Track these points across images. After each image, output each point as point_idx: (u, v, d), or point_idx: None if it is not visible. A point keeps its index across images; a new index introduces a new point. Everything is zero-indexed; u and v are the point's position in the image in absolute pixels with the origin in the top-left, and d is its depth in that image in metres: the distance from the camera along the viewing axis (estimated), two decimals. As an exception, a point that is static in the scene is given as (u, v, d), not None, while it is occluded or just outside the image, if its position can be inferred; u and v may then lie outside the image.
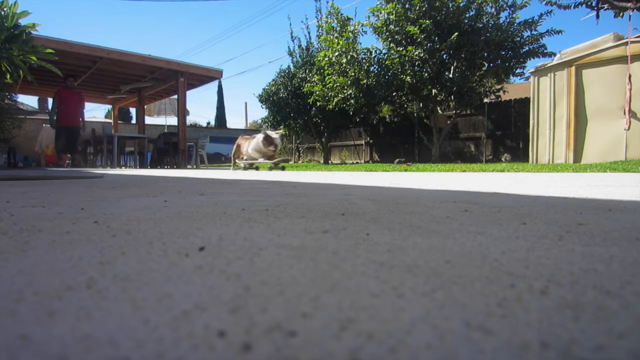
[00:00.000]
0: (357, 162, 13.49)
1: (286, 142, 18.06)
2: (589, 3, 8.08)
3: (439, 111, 10.27)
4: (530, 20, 8.61)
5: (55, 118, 7.92)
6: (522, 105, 9.79)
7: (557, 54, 7.90)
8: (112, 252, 0.63)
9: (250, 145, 7.08)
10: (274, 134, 6.83)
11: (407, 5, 8.91)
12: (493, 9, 8.76)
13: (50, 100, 9.23)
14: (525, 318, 0.36)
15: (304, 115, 12.80)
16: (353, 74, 9.36)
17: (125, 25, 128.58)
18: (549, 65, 7.87)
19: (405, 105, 11.00)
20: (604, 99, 7.08)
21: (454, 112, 10.09)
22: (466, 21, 8.76)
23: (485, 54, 8.81)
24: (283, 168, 7.07)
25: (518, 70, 9.17)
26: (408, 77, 9.04)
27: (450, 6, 8.53)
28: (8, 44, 3.33)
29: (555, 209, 1.19)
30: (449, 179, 3.26)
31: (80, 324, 0.34)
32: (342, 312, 0.37)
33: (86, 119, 9.22)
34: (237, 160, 7.63)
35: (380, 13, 9.34)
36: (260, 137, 6.86)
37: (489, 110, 10.71)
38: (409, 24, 8.79)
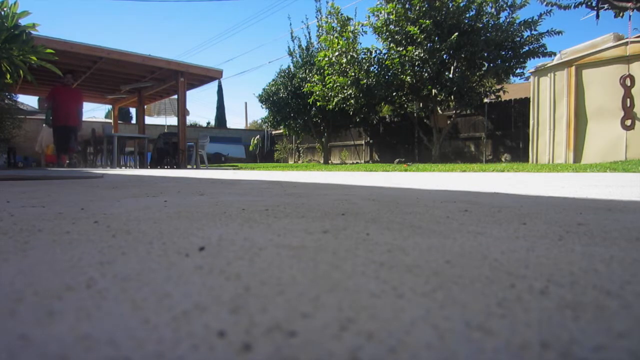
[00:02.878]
0: (357, 162, 13.49)
1: (286, 142, 18.07)
2: (589, 3, 8.08)
3: (439, 111, 10.27)
4: (530, 20, 8.60)
5: (51, 117, 7.80)
6: (522, 105, 9.79)
7: (557, 54, 7.90)
8: (112, 252, 0.63)
9: None
10: None
11: (407, 5, 8.91)
12: (493, 9, 8.76)
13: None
14: (525, 318, 0.36)
15: (304, 115, 12.78)
16: (353, 74, 9.35)
17: (125, 25, 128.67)
18: (549, 65, 7.87)
19: (405, 105, 10.99)
20: (604, 99, 7.08)
21: (454, 112, 10.08)
22: (466, 21, 8.76)
23: (485, 54, 8.81)
24: None
25: (518, 70, 9.17)
26: (408, 77, 9.03)
27: (450, 6, 8.53)
28: (8, 44, 3.33)
29: (555, 209, 1.18)
30: (449, 179, 3.26)
31: (80, 324, 0.34)
32: (342, 312, 0.37)
33: (86, 119, 9.10)
34: None
35: (380, 13, 9.34)
36: None
37: (489, 110, 10.71)
38: (409, 24, 8.79)
